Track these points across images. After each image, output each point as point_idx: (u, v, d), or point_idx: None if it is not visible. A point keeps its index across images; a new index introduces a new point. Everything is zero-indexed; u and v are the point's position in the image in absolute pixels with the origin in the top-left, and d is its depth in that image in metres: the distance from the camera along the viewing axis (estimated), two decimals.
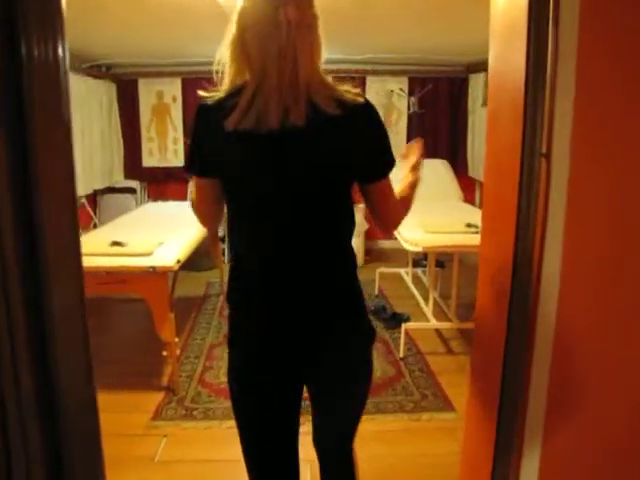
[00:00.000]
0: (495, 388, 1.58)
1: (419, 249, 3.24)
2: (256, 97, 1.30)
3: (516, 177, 1.44)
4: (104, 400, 2.91)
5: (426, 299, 4.27)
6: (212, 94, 1.37)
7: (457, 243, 3.26)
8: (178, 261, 3.04)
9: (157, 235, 3.49)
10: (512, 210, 1.47)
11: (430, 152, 6.11)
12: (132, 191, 6.45)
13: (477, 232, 3.27)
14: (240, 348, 1.52)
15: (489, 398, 1.66)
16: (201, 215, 1.55)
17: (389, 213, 1.53)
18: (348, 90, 1.34)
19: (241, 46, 1.36)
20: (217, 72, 1.41)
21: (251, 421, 1.57)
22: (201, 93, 1.40)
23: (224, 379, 3.35)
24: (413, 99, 6.16)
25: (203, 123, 1.40)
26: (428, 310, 4.03)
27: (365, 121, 1.36)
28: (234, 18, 1.37)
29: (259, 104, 1.29)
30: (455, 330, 4.07)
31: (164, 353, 3.22)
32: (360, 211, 5.68)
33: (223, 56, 1.41)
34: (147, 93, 6.21)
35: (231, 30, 1.37)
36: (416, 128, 6.27)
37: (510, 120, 1.50)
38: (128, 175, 6.44)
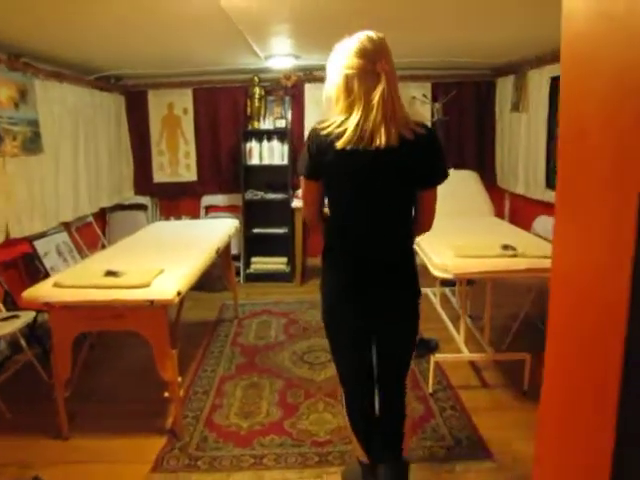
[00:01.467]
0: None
1: (449, 276, 2.87)
2: (362, 126, 1.87)
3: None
4: (99, 447, 2.51)
5: (455, 321, 3.91)
6: (322, 123, 1.98)
7: (493, 268, 2.87)
8: (179, 293, 2.72)
9: (159, 261, 3.17)
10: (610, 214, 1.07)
11: (456, 162, 5.78)
12: (143, 208, 6.18)
13: (515, 255, 2.90)
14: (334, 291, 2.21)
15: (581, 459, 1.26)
16: (310, 213, 2.18)
17: (431, 216, 2.11)
18: (417, 122, 1.95)
19: (348, 91, 1.93)
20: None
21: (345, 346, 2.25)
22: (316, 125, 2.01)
23: (234, 420, 3.09)
24: (437, 105, 5.79)
25: (316, 142, 1.97)
26: (459, 338, 3.65)
27: (428, 144, 1.96)
28: (337, 69, 1.99)
29: (366, 131, 1.87)
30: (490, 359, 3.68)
31: (166, 394, 2.89)
32: None
33: (330, 94, 2.01)
34: (157, 105, 5.94)
35: (335, 79, 1.99)
36: (440, 136, 5.89)
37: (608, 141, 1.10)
38: (138, 191, 6.17)
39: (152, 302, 2.68)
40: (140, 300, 2.68)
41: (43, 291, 2.78)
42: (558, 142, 1.18)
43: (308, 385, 3.50)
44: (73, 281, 2.80)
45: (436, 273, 2.98)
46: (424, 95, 5.80)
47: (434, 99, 5.82)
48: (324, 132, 1.93)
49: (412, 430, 2.86)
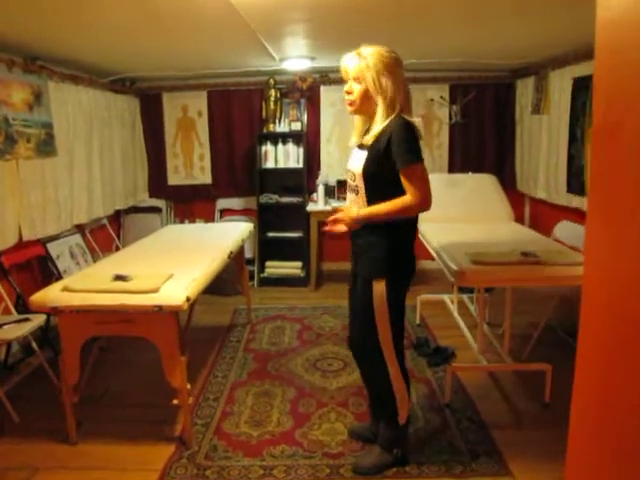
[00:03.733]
0: None
1: (467, 283, 2.77)
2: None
3: None
4: (107, 454, 2.39)
5: (473, 328, 3.80)
6: (406, 118, 2.26)
7: (513, 277, 2.76)
8: (188, 299, 2.65)
9: (169, 265, 3.12)
10: None
11: (474, 165, 5.66)
12: (158, 210, 6.15)
13: (536, 263, 2.78)
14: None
15: None
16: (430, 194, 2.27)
17: None
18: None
19: (404, 88, 2.29)
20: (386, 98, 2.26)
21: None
22: (406, 117, 2.27)
23: (244, 428, 3.02)
24: (455, 108, 5.70)
25: (417, 132, 2.27)
26: (476, 347, 3.55)
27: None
28: (400, 75, 2.28)
29: None
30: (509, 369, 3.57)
31: (175, 402, 2.83)
32: None
33: (394, 95, 2.24)
34: (172, 107, 5.91)
35: (399, 83, 2.26)
36: (459, 139, 5.80)
37: None
38: (153, 194, 6.14)
39: (161, 308, 2.62)
40: (148, 306, 2.62)
41: (51, 295, 2.73)
42: (592, 140, 1.09)
43: (320, 394, 3.42)
44: (81, 285, 2.75)
45: (453, 280, 2.87)
46: (442, 97, 5.70)
47: (452, 101, 5.72)
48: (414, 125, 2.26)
49: (427, 443, 2.78)
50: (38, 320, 3.43)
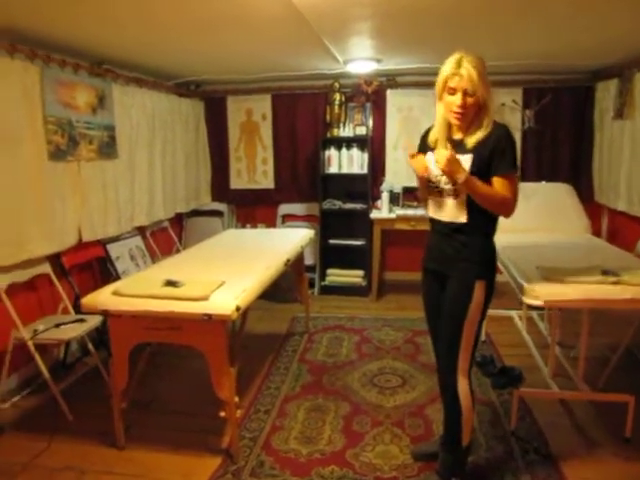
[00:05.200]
0: None
1: (539, 303, 2.52)
2: None
3: None
4: (152, 461, 2.23)
5: (542, 348, 3.53)
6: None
7: (590, 297, 2.48)
8: (238, 309, 2.53)
9: (223, 272, 3.03)
10: None
11: (548, 174, 5.33)
12: (220, 214, 6.13)
13: (617, 282, 2.51)
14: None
15: None
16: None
17: None
18: None
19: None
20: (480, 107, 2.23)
21: None
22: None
23: (293, 445, 2.87)
24: (528, 113, 5.39)
25: None
26: (547, 370, 3.27)
27: None
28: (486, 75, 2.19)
29: None
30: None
31: (222, 414, 2.72)
32: None
33: (488, 101, 2.20)
34: (236, 111, 5.88)
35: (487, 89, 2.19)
36: (532, 146, 5.48)
37: None
38: (215, 197, 6.13)
39: (210, 316, 2.52)
40: (197, 314, 2.53)
41: (102, 298, 2.68)
42: None
43: (376, 412, 3.24)
44: (131, 290, 2.69)
45: (522, 298, 2.63)
46: (514, 101, 5.40)
47: (525, 106, 5.41)
48: None
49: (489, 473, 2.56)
50: (94, 321, 3.43)
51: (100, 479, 2.68)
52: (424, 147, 2.46)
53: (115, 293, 2.68)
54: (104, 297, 2.69)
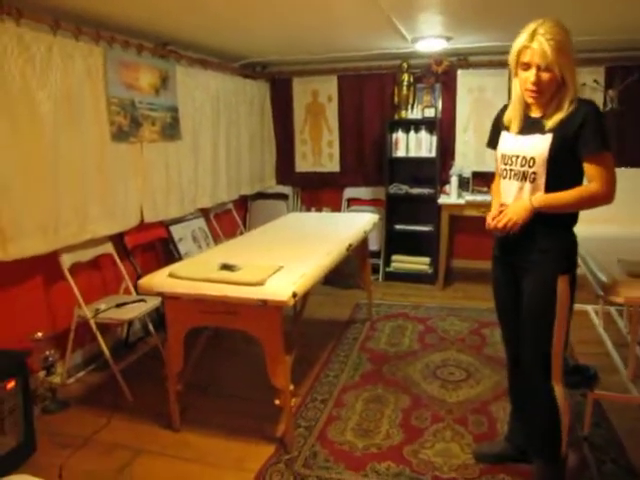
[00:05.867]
0: None
1: (619, 300, 2.30)
2: None
3: None
4: (206, 446, 2.37)
5: (621, 347, 3.27)
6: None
7: None
8: (294, 295, 2.44)
9: (282, 256, 2.95)
10: None
11: (632, 159, 4.95)
12: (284, 197, 6.08)
13: None
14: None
15: None
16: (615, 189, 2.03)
17: None
18: None
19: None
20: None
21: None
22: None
23: (349, 437, 2.77)
24: (611, 93, 5.00)
25: None
26: (625, 372, 3.03)
27: None
28: (571, 48, 1.96)
29: None
30: None
31: (276, 402, 2.66)
32: None
33: (575, 71, 1.98)
34: (302, 92, 5.79)
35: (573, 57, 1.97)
36: (614, 129, 5.09)
37: None
38: (280, 180, 6.08)
39: (265, 302, 2.44)
40: (252, 299, 2.46)
41: (157, 280, 2.66)
42: None
43: (437, 406, 3.09)
44: (187, 273, 2.65)
45: (602, 294, 2.41)
46: (595, 81, 5.03)
47: (608, 85, 5.03)
48: None
49: None
50: (154, 302, 3.44)
51: (154, 460, 2.69)
52: (498, 127, 2.26)
53: (171, 275, 2.65)
54: (160, 279, 2.66)
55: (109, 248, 3.69)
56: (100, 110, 3.41)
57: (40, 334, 3.10)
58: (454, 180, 5.16)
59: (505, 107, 2.25)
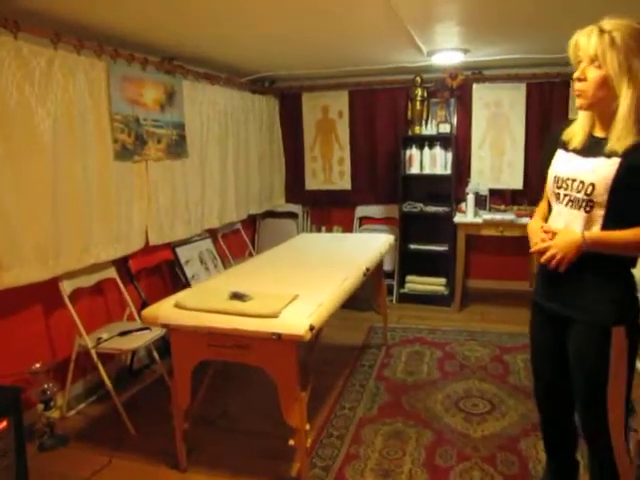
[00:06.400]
0: None
1: None
2: None
3: None
4: None
5: None
6: None
7: None
8: (311, 328, 2.25)
9: (296, 282, 2.77)
10: None
11: None
12: (294, 216, 5.90)
13: None
14: None
15: None
16: None
17: None
18: None
19: None
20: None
21: None
22: None
23: (369, 478, 2.55)
24: None
25: None
26: None
27: None
28: None
29: None
30: None
31: (291, 442, 2.44)
32: None
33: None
34: (312, 108, 5.63)
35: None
36: None
37: None
38: (290, 199, 5.90)
39: (279, 336, 2.24)
40: (265, 332, 2.26)
41: (163, 311, 2.47)
42: None
43: (462, 442, 2.87)
44: (195, 303, 2.45)
45: None
46: None
47: None
48: None
49: None
50: (159, 330, 3.25)
51: None
52: (554, 144, 1.96)
53: (177, 306, 2.46)
54: (165, 310, 2.47)
55: (112, 273, 3.49)
56: (103, 127, 3.24)
57: (38, 365, 2.92)
58: (470, 198, 4.97)
59: (568, 123, 1.94)
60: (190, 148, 4.09)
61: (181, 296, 2.60)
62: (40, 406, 2.93)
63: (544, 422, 2.19)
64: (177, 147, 3.93)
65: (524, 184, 5.15)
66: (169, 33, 3.32)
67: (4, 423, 2.38)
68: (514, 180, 5.18)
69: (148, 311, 2.52)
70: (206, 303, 2.44)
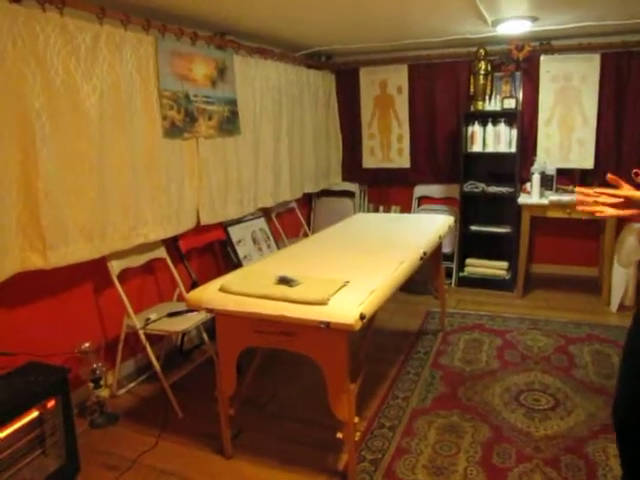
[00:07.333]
0: None
1: None
2: None
3: None
4: (261, 476, 2.47)
5: None
6: None
7: None
8: (362, 317, 2.11)
9: (348, 267, 2.64)
10: None
11: None
12: (351, 195, 5.74)
13: None
14: None
15: None
16: None
17: None
18: None
19: None
20: None
21: None
22: None
23: (420, 475, 2.48)
24: None
25: None
26: None
27: None
28: None
29: None
30: None
31: (339, 435, 2.33)
32: (634, 232, 4.23)
33: None
34: (369, 83, 5.42)
35: None
36: None
37: None
38: (346, 177, 5.74)
39: (328, 324, 2.11)
40: (313, 320, 2.13)
41: (207, 295, 2.38)
42: None
43: (522, 441, 2.68)
44: (240, 287, 2.35)
45: None
46: None
47: None
48: None
49: None
50: (204, 314, 3.17)
51: None
52: None
53: (222, 290, 2.37)
54: (210, 294, 2.38)
55: (162, 252, 3.45)
56: (151, 104, 3.16)
57: (88, 344, 2.91)
58: (536, 178, 4.67)
59: None
60: (242, 125, 3.99)
61: (227, 279, 2.51)
62: (90, 384, 2.93)
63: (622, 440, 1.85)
64: (229, 124, 3.83)
65: (595, 163, 4.81)
66: (221, 8, 3.20)
67: (52, 402, 2.39)
68: (584, 159, 4.84)
69: (193, 295, 2.44)
70: (252, 288, 2.33)
